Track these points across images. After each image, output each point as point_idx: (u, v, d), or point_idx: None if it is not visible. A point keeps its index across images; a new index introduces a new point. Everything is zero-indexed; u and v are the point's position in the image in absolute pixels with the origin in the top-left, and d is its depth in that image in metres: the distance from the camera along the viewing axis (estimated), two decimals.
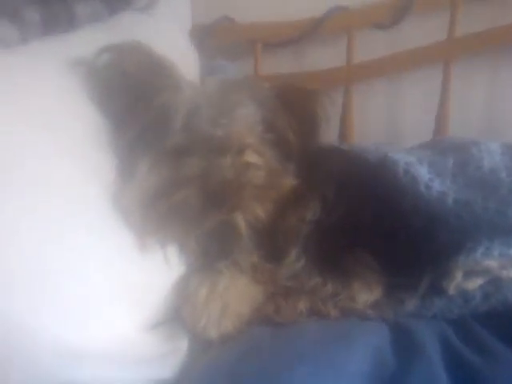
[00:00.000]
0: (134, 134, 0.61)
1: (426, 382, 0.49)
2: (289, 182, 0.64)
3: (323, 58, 1.18)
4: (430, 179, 0.67)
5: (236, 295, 0.60)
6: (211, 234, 0.62)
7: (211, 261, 0.62)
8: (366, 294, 0.62)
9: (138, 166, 0.60)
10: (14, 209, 0.48)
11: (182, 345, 0.58)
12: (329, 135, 1.01)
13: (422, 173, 0.68)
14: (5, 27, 0.54)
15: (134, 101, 0.61)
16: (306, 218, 0.65)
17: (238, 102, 0.62)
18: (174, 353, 0.56)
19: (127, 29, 0.70)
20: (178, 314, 0.60)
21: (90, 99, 0.62)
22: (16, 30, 0.54)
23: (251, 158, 0.61)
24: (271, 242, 0.63)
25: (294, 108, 0.65)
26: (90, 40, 0.64)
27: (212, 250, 0.62)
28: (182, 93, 0.61)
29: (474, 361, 0.53)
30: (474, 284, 0.60)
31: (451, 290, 0.60)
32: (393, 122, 1.20)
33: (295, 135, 0.65)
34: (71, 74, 0.62)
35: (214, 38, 1.16)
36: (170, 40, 0.83)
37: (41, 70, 0.58)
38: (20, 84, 0.55)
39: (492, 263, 0.60)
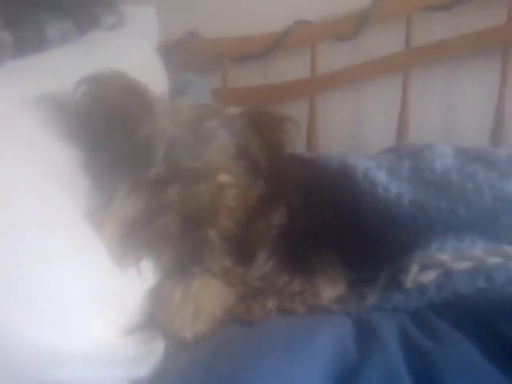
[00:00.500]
0: (112, 162, 0.64)
1: (385, 368, 0.52)
2: (256, 193, 0.68)
3: (288, 70, 1.23)
4: (387, 182, 0.71)
5: (208, 297, 0.63)
6: (183, 245, 0.65)
7: (184, 267, 0.65)
8: (330, 290, 0.66)
9: (116, 194, 0.63)
10: None
11: (159, 346, 0.60)
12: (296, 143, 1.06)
13: (380, 176, 0.72)
14: None
15: (112, 129, 0.64)
16: (273, 222, 0.69)
17: (212, 132, 0.66)
18: (151, 353, 0.58)
19: (97, 47, 0.73)
20: (153, 318, 0.63)
21: (66, 129, 0.65)
22: None
23: (223, 178, 0.65)
24: (241, 247, 0.67)
25: (263, 134, 0.70)
26: (61, 60, 0.67)
27: (184, 257, 0.65)
28: (159, 122, 0.65)
29: (429, 346, 0.56)
30: (429, 277, 0.65)
31: (408, 283, 0.65)
32: (357, 130, 1.26)
33: (264, 158, 0.69)
34: (49, 102, 0.64)
35: (182, 53, 1.20)
36: (138, 57, 0.86)
37: (15, 94, 0.60)
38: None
39: (445, 257, 0.65)
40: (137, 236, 0.62)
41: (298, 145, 1.14)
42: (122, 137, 0.64)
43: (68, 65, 0.67)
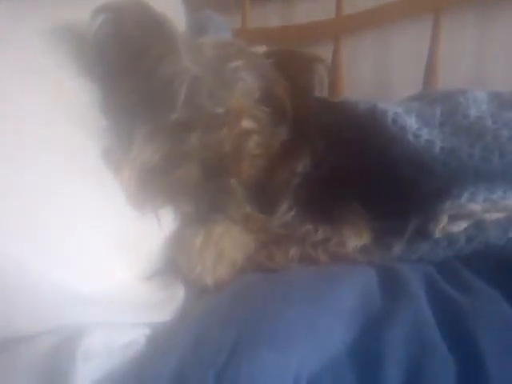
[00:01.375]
0: (131, 101, 0.61)
1: (411, 315, 0.51)
2: (279, 140, 0.66)
3: (312, 10, 1.18)
4: (417, 128, 0.68)
5: (230, 243, 0.61)
6: (204, 193, 0.63)
7: (205, 214, 0.63)
8: (355, 239, 0.64)
9: (136, 137, 0.60)
10: (13, 159, 0.49)
11: (179, 292, 0.60)
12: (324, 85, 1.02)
13: (410, 122, 0.69)
14: None
15: (131, 65, 0.61)
16: (296, 170, 0.67)
17: (236, 74, 0.62)
18: (171, 299, 0.58)
19: None
20: (174, 264, 0.62)
21: (88, 62, 0.62)
22: None
23: (247, 123, 0.62)
24: (263, 194, 0.65)
25: (289, 75, 0.66)
26: None
27: (205, 205, 0.64)
28: (181, 61, 0.61)
29: (457, 296, 0.55)
30: (459, 227, 0.62)
31: (437, 233, 0.62)
32: (382, 74, 1.21)
33: (290, 102, 0.66)
34: (67, 34, 0.61)
35: None
36: None
37: (31, 26, 0.57)
38: (14, 41, 0.55)
39: (476, 207, 0.62)
40: (155, 183, 0.60)
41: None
42: (141, 75, 0.60)
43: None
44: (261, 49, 0.69)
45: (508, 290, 0.56)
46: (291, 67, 0.68)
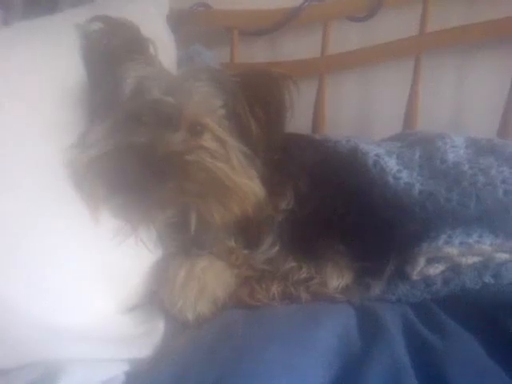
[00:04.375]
0: (97, 101, 0.61)
1: (389, 359, 0.52)
2: (254, 189, 0.62)
3: (298, 48, 1.20)
4: (398, 170, 0.70)
5: (212, 279, 0.62)
6: (180, 222, 0.62)
7: (187, 246, 0.64)
8: (337, 279, 0.65)
9: (90, 134, 0.60)
10: None
11: (159, 326, 0.60)
12: (301, 124, 1.04)
13: (391, 164, 0.70)
14: None
15: (107, 70, 0.62)
16: (279, 207, 0.68)
17: (197, 78, 0.60)
18: (151, 333, 0.58)
19: (108, 12, 0.70)
20: (155, 296, 0.62)
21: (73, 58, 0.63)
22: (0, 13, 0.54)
23: (209, 143, 0.59)
24: (246, 230, 0.66)
25: (257, 93, 0.63)
26: (72, 22, 0.65)
27: (185, 236, 0.64)
28: (143, 68, 0.62)
29: (433, 339, 0.56)
30: (436, 270, 0.64)
31: (414, 275, 0.64)
32: (364, 113, 1.23)
33: (259, 123, 0.63)
34: (64, 33, 0.63)
35: (191, 23, 1.16)
36: (149, 24, 0.83)
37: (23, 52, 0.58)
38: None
39: (453, 250, 0.64)
40: (104, 173, 0.58)
41: (303, 125, 1.15)
42: (107, 73, 0.62)
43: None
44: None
45: (482, 335, 0.57)
46: (259, 86, 0.64)
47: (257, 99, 0.63)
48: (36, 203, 0.53)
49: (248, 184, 0.61)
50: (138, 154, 0.56)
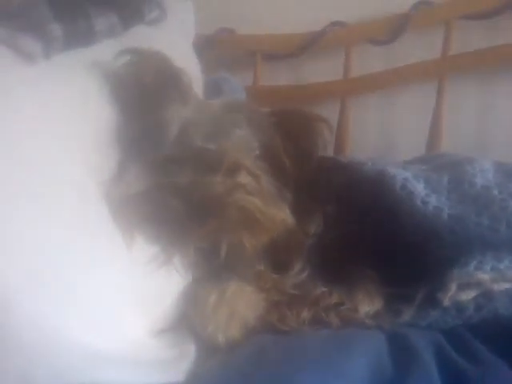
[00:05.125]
0: (132, 139, 0.63)
1: None
2: (283, 217, 0.63)
3: (321, 71, 1.22)
4: (426, 195, 0.69)
5: (242, 303, 0.62)
6: (210, 248, 0.63)
7: (218, 270, 0.64)
8: (368, 305, 0.65)
9: (127, 170, 0.61)
10: (18, 207, 0.49)
11: (190, 350, 0.60)
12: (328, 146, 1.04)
13: (419, 188, 0.70)
14: (30, 42, 0.56)
15: (140, 107, 0.64)
16: (309, 231, 0.68)
17: (236, 122, 0.62)
18: (182, 358, 0.58)
19: (140, 42, 0.72)
20: (186, 320, 0.62)
21: (103, 99, 0.64)
22: (40, 44, 0.56)
23: (244, 179, 0.61)
24: (276, 253, 0.66)
25: (291, 135, 0.65)
26: (108, 54, 0.67)
27: (217, 261, 0.64)
28: (184, 107, 0.63)
29: (466, 367, 0.55)
30: (468, 296, 0.63)
31: (446, 301, 0.63)
32: (387, 136, 1.24)
33: (292, 163, 0.65)
34: (90, 73, 0.64)
35: (215, 48, 1.19)
36: (178, 52, 0.85)
37: (63, 76, 0.60)
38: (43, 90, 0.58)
39: (484, 276, 0.63)
40: (141, 208, 0.60)
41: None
42: (147, 112, 0.63)
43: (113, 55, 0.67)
44: (266, 109, 0.69)
45: None
46: (294, 127, 0.66)
47: (290, 139, 0.65)
48: (69, 225, 0.54)
49: (277, 214, 0.62)
50: (180, 195, 0.58)
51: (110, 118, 0.65)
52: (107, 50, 0.67)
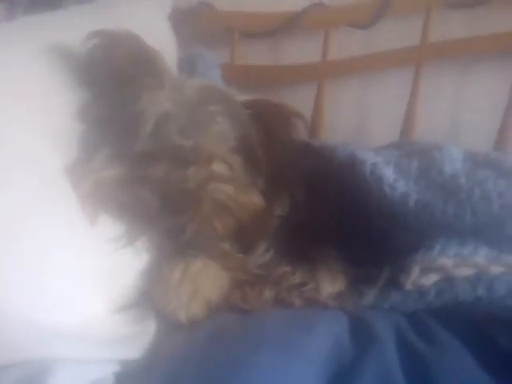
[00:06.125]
0: (104, 121, 0.61)
1: (380, 368, 0.52)
2: (255, 201, 0.64)
3: (299, 52, 1.20)
4: (394, 180, 0.70)
5: (206, 281, 0.62)
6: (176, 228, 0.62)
7: (182, 247, 0.63)
8: (330, 286, 0.65)
9: (98, 155, 0.60)
10: None
11: (150, 327, 0.59)
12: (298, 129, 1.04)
13: (388, 173, 0.70)
14: None
15: (113, 94, 0.62)
16: (275, 213, 0.68)
17: (212, 116, 0.62)
18: (142, 334, 0.58)
19: (110, 10, 0.70)
20: (148, 297, 0.61)
21: (70, 79, 0.62)
22: (3, 8, 0.54)
23: (218, 167, 0.62)
24: (241, 234, 0.65)
25: (267, 128, 0.66)
26: (73, 19, 0.65)
27: (180, 239, 0.63)
28: (159, 96, 0.61)
29: (425, 349, 0.56)
30: (429, 280, 0.64)
31: (408, 284, 0.64)
32: (362, 120, 1.24)
33: (265, 153, 0.66)
34: (56, 53, 0.62)
35: (191, 23, 1.16)
36: (151, 23, 0.83)
37: (25, 48, 0.58)
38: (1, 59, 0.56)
39: (447, 261, 0.64)
40: (112, 202, 0.60)
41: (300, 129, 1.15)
42: (120, 100, 0.61)
43: (79, 24, 0.64)
44: (243, 97, 0.68)
45: (474, 347, 0.57)
46: (270, 120, 0.67)
47: (266, 132, 0.66)
48: (33, 203, 0.53)
49: (249, 201, 0.63)
50: (153, 188, 0.59)
51: (81, 102, 0.63)
52: (75, 20, 0.65)
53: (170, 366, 0.50)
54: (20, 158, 0.54)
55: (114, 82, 0.63)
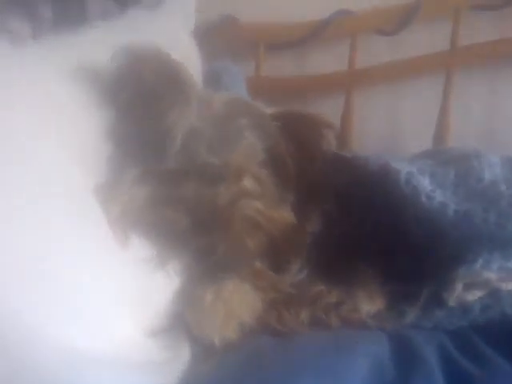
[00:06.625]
0: (131, 140, 0.60)
1: None
2: (286, 216, 0.62)
3: (325, 61, 1.19)
4: (431, 190, 0.67)
5: (239, 303, 0.60)
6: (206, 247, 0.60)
7: (213, 269, 0.62)
8: (369, 304, 0.62)
9: (125, 176, 0.59)
10: (14, 207, 0.47)
11: (184, 352, 0.58)
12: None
13: (424, 183, 0.68)
14: (18, 22, 0.54)
15: (140, 112, 0.61)
16: (307, 229, 0.65)
17: (241, 131, 0.61)
18: (176, 359, 0.56)
19: (136, 26, 0.70)
20: (180, 321, 0.60)
21: (98, 99, 0.62)
22: (28, 25, 0.54)
23: (249, 183, 0.60)
24: (273, 252, 0.63)
25: (297, 140, 0.64)
26: (100, 38, 0.64)
27: (211, 260, 0.62)
28: (187, 112, 0.60)
29: (472, 370, 0.54)
30: (474, 296, 0.61)
31: (451, 301, 0.61)
32: (393, 129, 1.21)
33: (295, 166, 0.64)
34: (83, 73, 0.61)
35: (216, 36, 1.16)
36: (175, 38, 0.82)
37: (52, 68, 0.58)
38: (28, 79, 0.55)
39: (491, 276, 0.61)
40: (142, 224, 0.58)
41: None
42: (148, 118, 0.60)
43: (106, 41, 0.64)
44: (271, 110, 0.67)
45: None
46: (300, 132, 0.65)
47: (295, 144, 0.64)
48: (61, 224, 0.51)
49: (279, 217, 0.61)
50: (183, 208, 0.57)
51: (108, 121, 0.62)
52: (101, 36, 0.65)
53: None
54: (47, 178, 0.53)
55: (141, 99, 0.62)
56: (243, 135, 0.61)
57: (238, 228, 0.58)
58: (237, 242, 0.59)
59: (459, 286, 0.61)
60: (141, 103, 0.61)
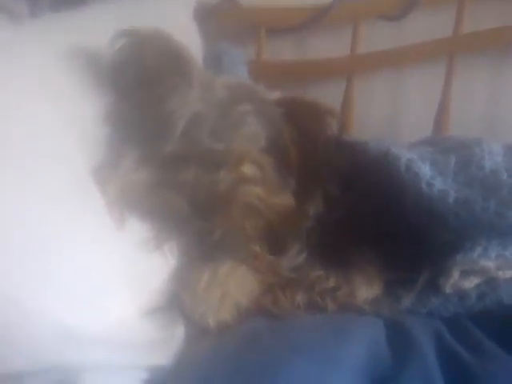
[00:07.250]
0: (131, 122, 0.60)
1: (422, 378, 0.49)
2: (286, 201, 0.62)
3: (327, 46, 1.17)
4: (431, 177, 0.66)
5: (235, 284, 0.60)
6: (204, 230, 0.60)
7: (210, 250, 0.61)
8: (366, 290, 0.62)
9: (125, 158, 0.59)
10: (12, 189, 0.47)
11: (179, 332, 0.58)
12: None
13: (424, 170, 0.67)
14: (16, 1, 0.53)
15: (143, 90, 0.60)
16: (308, 213, 0.65)
17: (243, 117, 0.60)
18: (171, 340, 0.56)
19: (135, 7, 0.69)
20: (176, 301, 0.60)
21: (97, 81, 0.61)
22: (26, 4, 0.53)
23: (249, 169, 0.60)
24: (272, 235, 0.63)
25: (300, 127, 0.64)
26: (98, 17, 0.63)
27: (209, 241, 0.62)
28: (188, 97, 0.59)
29: (468, 359, 0.53)
30: (471, 283, 0.61)
31: (447, 288, 0.61)
32: (393, 115, 1.20)
33: (297, 152, 0.64)
34: (82, 53, 0.60)
35: (217, 20, 1.14)
36: (176, 20, 0.81)
37: (50, 48, 0.57)
38: (27, 60, 0.55)
39: (489, 264, 0.61)
40: (140, 206, 0.58)
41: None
42: (149, 101, 0.60)
43: (105, 22, 0.63)
44: (274, 95, 0.66)
45: None
46: (303, 118, 0.65)
47: (298, 131, 0.64)
48: (59, 206, 0.51)
49: (280, 202, 0.61)
50: (184, 192, 0.57)
51: (108, 104, 0.61)
52: (100, 17, 0.63)
53: (198, 373, 0.49)
54: (46, 161, 0.53)
55: (142, 81, 0.61)
56: (246, 121, 0.60)
57: (237, 213, 0.58)
58: (235, 226, 0.59)
59: (456, 274, 0.61)
60: (142, 86, 0.61)
